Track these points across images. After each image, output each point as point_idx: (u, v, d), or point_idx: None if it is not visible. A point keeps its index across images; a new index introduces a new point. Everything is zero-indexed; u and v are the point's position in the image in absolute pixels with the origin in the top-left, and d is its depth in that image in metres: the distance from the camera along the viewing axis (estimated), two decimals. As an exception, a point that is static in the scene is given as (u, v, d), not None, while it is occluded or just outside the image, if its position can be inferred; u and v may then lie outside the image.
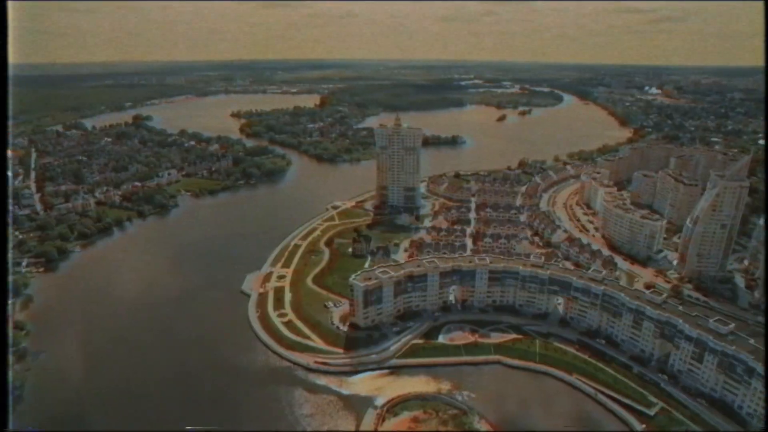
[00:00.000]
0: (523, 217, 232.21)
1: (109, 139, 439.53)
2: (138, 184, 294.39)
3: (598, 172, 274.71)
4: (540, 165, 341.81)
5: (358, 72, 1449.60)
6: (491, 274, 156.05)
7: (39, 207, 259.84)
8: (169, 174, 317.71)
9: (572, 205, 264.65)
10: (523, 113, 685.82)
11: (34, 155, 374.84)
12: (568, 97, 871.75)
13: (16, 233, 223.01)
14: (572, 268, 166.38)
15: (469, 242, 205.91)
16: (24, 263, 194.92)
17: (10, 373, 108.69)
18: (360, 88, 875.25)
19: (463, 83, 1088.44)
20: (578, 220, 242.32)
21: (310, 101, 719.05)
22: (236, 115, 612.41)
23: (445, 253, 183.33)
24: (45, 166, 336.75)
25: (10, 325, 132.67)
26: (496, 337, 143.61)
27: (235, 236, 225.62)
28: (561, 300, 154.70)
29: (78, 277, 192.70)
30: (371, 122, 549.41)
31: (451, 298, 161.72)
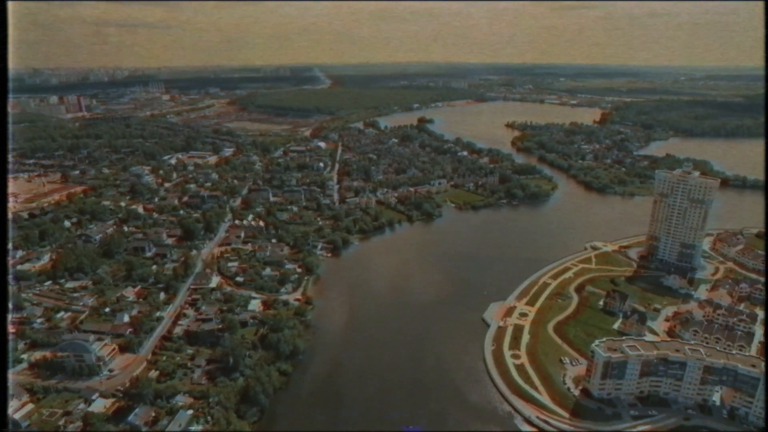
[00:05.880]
0: None
1: (395, 140, 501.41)
2: (411, 189, 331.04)
3: None
4: None
5: (651, 82, 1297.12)
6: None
7: (336, 197, 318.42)
8: (439, 183, 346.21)
9: None
10: None
11: (340, 150, 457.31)
12: None
13: (318, 219, 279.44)
14: None
15: (758, 332, 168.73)
16: (319, 247, 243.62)
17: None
18: (649, 104, 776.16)
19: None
20: None
21: (589, 116, 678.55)
22: (511, 126, 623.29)
23: (718, 339, 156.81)
24: (345, 161, 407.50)
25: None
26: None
27: (487, 258, 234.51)
28: None
29: (353, 266, 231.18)
30: (656, 148, 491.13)
31: (715, 398, 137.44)
